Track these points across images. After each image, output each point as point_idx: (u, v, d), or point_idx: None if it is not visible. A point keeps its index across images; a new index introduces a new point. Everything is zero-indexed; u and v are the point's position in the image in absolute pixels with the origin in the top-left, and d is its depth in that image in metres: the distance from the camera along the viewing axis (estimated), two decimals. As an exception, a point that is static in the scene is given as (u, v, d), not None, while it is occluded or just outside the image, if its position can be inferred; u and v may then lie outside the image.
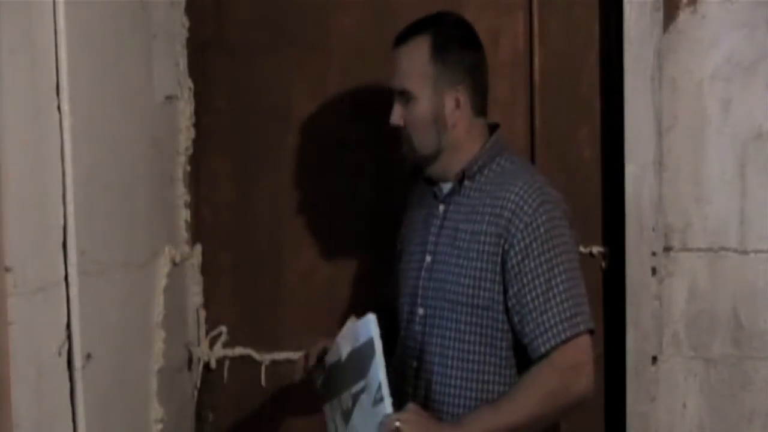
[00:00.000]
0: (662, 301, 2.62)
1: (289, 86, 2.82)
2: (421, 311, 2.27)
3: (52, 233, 2.11)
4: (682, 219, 2.61)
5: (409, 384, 2.26)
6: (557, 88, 2.66)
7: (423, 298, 2.27)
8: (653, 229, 2.59)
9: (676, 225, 2.62)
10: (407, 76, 2.24)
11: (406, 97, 2.24)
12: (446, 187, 2.29)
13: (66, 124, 2.12)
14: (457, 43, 2.25)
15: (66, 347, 2.13)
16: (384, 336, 2.25)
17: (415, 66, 2.23)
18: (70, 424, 2.15)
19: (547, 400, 2.09)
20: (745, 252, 2.59)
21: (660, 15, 2.58)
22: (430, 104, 2.23)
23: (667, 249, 2.62)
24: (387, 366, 2.11)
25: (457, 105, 2.23)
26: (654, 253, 2.60)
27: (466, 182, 2.25)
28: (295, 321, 2.86)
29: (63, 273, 2.13)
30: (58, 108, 2.11)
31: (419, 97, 2.23)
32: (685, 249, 2.62)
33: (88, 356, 2.18)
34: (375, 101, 2.78)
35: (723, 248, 2.60)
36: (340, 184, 2.82)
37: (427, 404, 2.21)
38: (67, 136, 2.12)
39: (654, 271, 2.60)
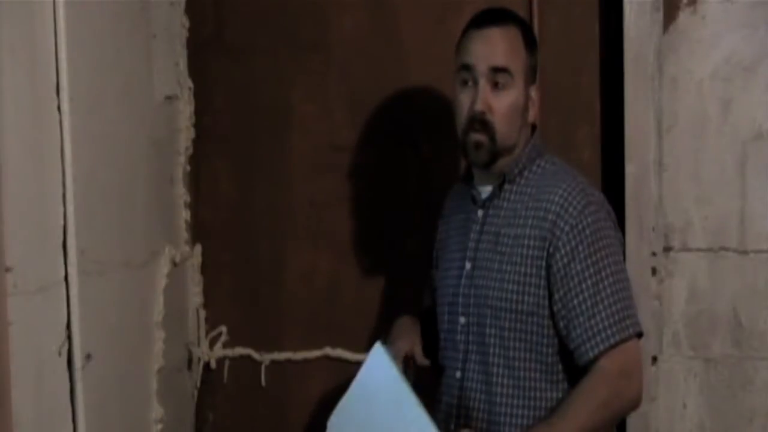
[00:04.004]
0: (662, 301, 2.62)
1: (289, 86, 2.82)
2: (462, 320, 2.20)
3: (52, 233, 2.11)
4: (682, 219, 2.61)
5: (453, 395, 2.21)
6: (557, 88, 2.66)
7: (464, 306, 2.19)
8: (653, 229, 2.59)
9: (676, 225, 2.62)
10: (508, 56, 2.13)
11: (501, 77, 2.13)
12: (485, 190, 2.21)
13: (66, 124, 2.12)
14: (535, 41, 2.22)
15: (66, 347, 2.13)
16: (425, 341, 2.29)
17: (516, 49, 2.14)
18: (70, 424, 2.15)
19: (600, 411, 2.04)
20: (745, 252, 2.59)
21: (660, 15, 2.58)
22: (522, 93, 2.15)
23: (667, 249, 2.62)
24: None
25: (533, 103, 2.18)
26: (654, 253, 2.60)
27: (507, 185, 2.18)
28: (295, 321, 2.86)
29: (63, 273, 2.13)
30: (58, 108, 2.11)
31: (517, 81, 2.14)
32: (685, 249, 2.62)
33: (88, 356, 2.18)
34: (375, 101, 2.78)
35: (723, 248, 2.60)
36: (340, 184, 2.82)
37: (472, 414, 2.17)
38: (67, 136, 2.12)
39: (654, 271, 2.60)
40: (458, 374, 2.20)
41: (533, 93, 2.19)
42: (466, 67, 2.14)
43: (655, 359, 2.61)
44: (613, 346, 2.05)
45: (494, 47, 2.13)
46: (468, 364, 2.19)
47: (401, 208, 2.80)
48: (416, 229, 2.77)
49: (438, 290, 2.30)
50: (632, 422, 2.57)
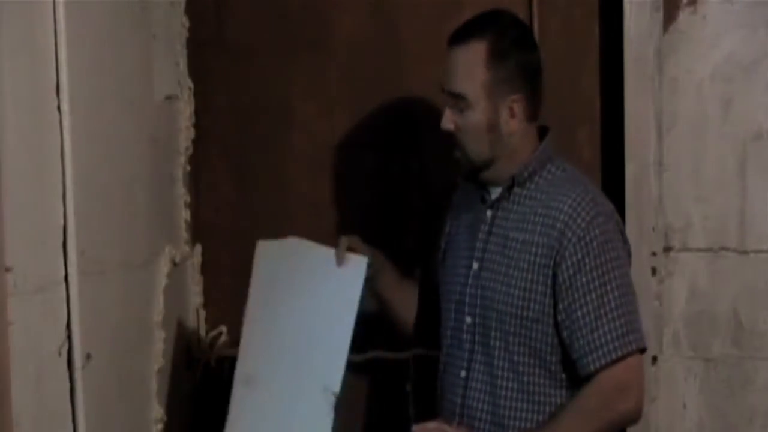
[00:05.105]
0: (662, 301, 2.62)
1: (289, 86, 2.82)
2: (468, 320, 2.20)
3: (52, 233, 2.11)
4: (682, 219, 2.61)
5: (457, 394, 2.21)
6: (557, 88, 2.65)
7: (470, 307, 2.20)
8: (653, 229, 2.59)
9: (676, 225, 2.62)
10: (463, 80, 2.14)
11: (459, 101, 2.15)
12: (495, 191, 2.20)
13: (66, 124, 2.12)
14: (515, 48, 2.15)
15: (66, 347, 2.13)
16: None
17: (472, 71, 2.14)
18: (70, 424, 2.15)
19: (592, 423, 2.06)
20: (745, 252, 2.59)
21: (660, 15, 2.58)
22: (485, 113, 2.14)
23: (667, 249, 2.62)
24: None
25: (512, 114, 2.14)
26: (654, 253, 2.60)
27: (516, 189, 2.17)
28: (295, 321, 2.86)
29: (63, 273, 2.13)
30: (58, 108, 2.11)
31: (474, 104, 2.14)
32: (685, 249, 2.62)
33: (88, 356, 2.18)
34: (375, 101, 2.78)
35: (723, 248, 2.60)
36: (340, 184, 2.82)
37: (476, 414, 2.18)
38: (67, 136, 2.12)
39: (654, 271, 2.60)
40: (463, 373, 2.20)
41: (510, 105, 2.14)
42: (441, 88, 2.20)
43: (655, 359, 2.61)
44: (614, 361, 2.05)
45: (450, 72, 2.17)
46: (473, 364, 2.19)
47: (401, 209, 2.80)
48: (416, 230, 2.77)
49: (444, 286, 2.30)
50: (632, 422, 2.57)
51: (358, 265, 2.26)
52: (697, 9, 2.58)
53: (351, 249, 2.30)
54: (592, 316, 2.06)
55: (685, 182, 2.61)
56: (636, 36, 2.58)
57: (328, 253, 2.28)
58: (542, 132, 2.24)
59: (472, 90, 2.14)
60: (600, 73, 2.69)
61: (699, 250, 2.61)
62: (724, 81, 2.58)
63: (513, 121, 2.15)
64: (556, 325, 2.11)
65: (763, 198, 2.57)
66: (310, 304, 2.27)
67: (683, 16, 2.59)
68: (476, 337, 2.19)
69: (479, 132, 2.15)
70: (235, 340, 2.87)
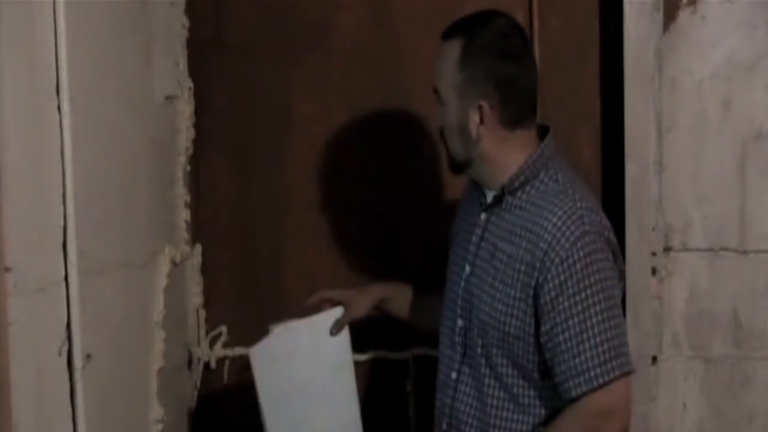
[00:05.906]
0: (662, 301, 2.62)
1: (289, 86, 2.82)
2: (460, 322, 2.19)
3: (52, 233, 2.11)
4: (682, 219, 2.61)
5: (447, 395, 2.21)
6: (557, 88, 2.66)
7: (462, 310, 2.18)
8: (653, 229, 2.59)
9: (676, 225, 2.62)
10: (439, 77, 2.14)
11: (438, 99, 2.15)
12: (489, 195, 2.17)
13: (66, 124, 2.12)
14: (488, 53, 2.10)
15: (66, 347, 2.13)
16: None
17: (445, 70, 2.12)
18: (70, 424, 2.15)
19: None
20: (745, 252, 2.59)
21: (660, 15, 2.58)
22: (455, 113, 2.12)
23: (667, 249, 2.62)
24: None
25: (481, 120, 2.10)
26: (654, 253, 2.60)
27: (507, 197, 2.13)
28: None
29: (63, 273, 2.13)
30: (58, 108, 2.11)
31: (447, 103, 2.13)
32: (685, 249, 2.62)
33: (88, 356, 2.18)
34: (375, 101, 2.78)
35: (723, 248, 2.60)
36: (340, 184, 2.82)
37: (463, 418, 2.17)
38: (67, 136, 2.12)
39: (654, 271, 2.60)
40: (453, 375, 2.20)
41: (478, 110, 2.10)
42: None
43: (655, 359, 2.61)
44: (596, 388, 2.02)
45: (435, 67, 2.16)
46: (463, 367, 2.19)
47: (401, 208, 2.80)
48: (416, 229, 2.77)
49: (446, 283, 2.29)
50: (632, 422, 2.56)
51: (334, 319, 2.41)
52: (697, 9, 2.58)
53: (328, 300, 2.45)
54: (574, 341, 2.01)
55: (685, 182, 2.61)
56: (636, 36, 2.58)
57: (309, 323, 2.40)
58: (544, 133, 2.20)
59: (445, 89, 2.13)
60: (600, 73, 2.69)
61: (699, 250, 2.61)
62: (724, 81, 2.58)
63: (482, 127, 2.11)
64: (539, 344, 2.07)
65: (763, 198, 2.57)
66: (315, 375, 2.40)
67: (683, 16, 2.59)
68: (466, 341, 2.18)
69: (452, 132, 2.15)
70: (235, 340, 2.89)
